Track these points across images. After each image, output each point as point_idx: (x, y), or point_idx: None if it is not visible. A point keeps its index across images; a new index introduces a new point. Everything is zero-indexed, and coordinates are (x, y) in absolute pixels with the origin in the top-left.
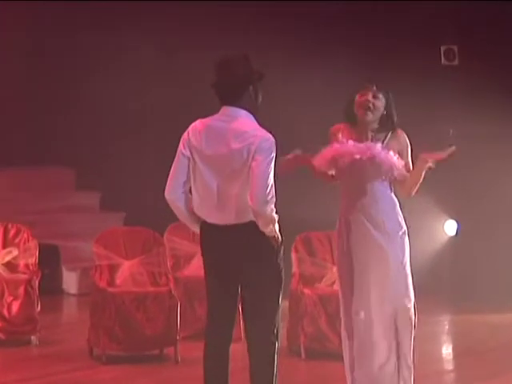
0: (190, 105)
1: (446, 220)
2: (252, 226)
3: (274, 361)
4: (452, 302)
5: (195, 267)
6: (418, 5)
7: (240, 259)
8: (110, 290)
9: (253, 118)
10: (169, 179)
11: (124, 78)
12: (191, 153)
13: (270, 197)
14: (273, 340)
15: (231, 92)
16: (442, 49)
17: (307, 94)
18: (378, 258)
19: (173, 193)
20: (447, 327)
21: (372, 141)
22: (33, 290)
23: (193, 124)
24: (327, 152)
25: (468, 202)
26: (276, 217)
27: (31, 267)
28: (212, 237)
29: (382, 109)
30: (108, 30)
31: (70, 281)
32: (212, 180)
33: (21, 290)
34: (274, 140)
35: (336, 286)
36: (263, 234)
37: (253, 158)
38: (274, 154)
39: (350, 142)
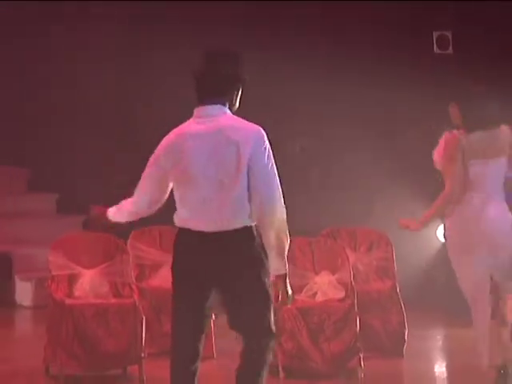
0: (151, 99)
1: (438, 225)
2: (244, 231)
3: (266, 364)
4: (446, 315)
5: (162, 277)
6: None
7: (228, 268)
8: (68, 302)
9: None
10: (140, 193)
11: (83, 68)
12: (172, 167)
13: (279, 195)
14: (269, 342)
15: (217, 90)
16: (435, 35)
17: (296, 91)
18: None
19: (139, 208)
20: (441, 343)
21: None
22: None
23: (167, 137)
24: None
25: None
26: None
27: None
28: (196, 244)
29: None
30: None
31: (24, 292)
32: (204, 188)
33: None
34: (264, 132)
35: (318, 298)
36: (254, 239)
37: (250, 156)
38: (269, 146)
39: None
